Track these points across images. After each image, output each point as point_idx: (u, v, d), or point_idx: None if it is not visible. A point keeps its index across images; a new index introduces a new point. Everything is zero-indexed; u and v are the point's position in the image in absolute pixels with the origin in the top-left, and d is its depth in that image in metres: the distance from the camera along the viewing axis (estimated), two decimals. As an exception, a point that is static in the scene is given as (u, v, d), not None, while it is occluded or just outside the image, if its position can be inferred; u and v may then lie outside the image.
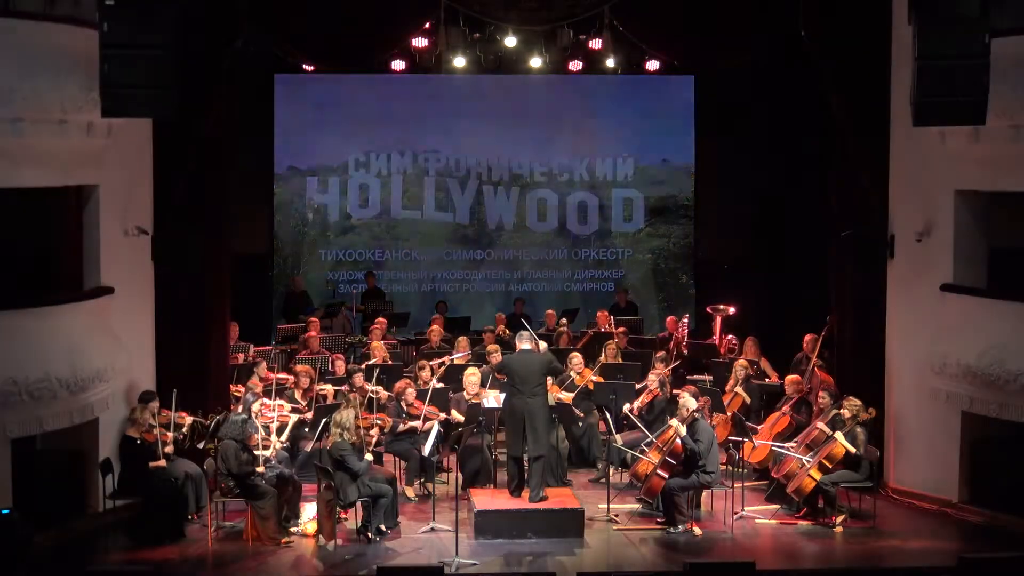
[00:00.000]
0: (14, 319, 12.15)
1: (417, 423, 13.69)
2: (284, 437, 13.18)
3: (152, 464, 12.63)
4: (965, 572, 10.06)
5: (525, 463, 12.92)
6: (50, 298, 12.62)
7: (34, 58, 11.87)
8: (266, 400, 13.65)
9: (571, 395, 14.48)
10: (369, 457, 12.62)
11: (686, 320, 17.49)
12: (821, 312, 15.39)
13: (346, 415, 12.45)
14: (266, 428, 13.09)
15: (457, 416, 13.85)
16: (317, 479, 12.67)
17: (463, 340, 16.27)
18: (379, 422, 13.67)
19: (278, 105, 19.60)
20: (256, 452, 12.54)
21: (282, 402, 13.87)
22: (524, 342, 13.06)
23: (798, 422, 13.86)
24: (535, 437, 12.68)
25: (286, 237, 19.98)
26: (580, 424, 14.65)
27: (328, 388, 14.61)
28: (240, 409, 13.37)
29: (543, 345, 13.58)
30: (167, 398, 13.22)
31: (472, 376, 14.17)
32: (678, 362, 15.71)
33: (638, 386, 14.57)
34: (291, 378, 14.83)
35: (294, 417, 13.35)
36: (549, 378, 13.15)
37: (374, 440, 13.26)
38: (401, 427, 13.70)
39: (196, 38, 12.72)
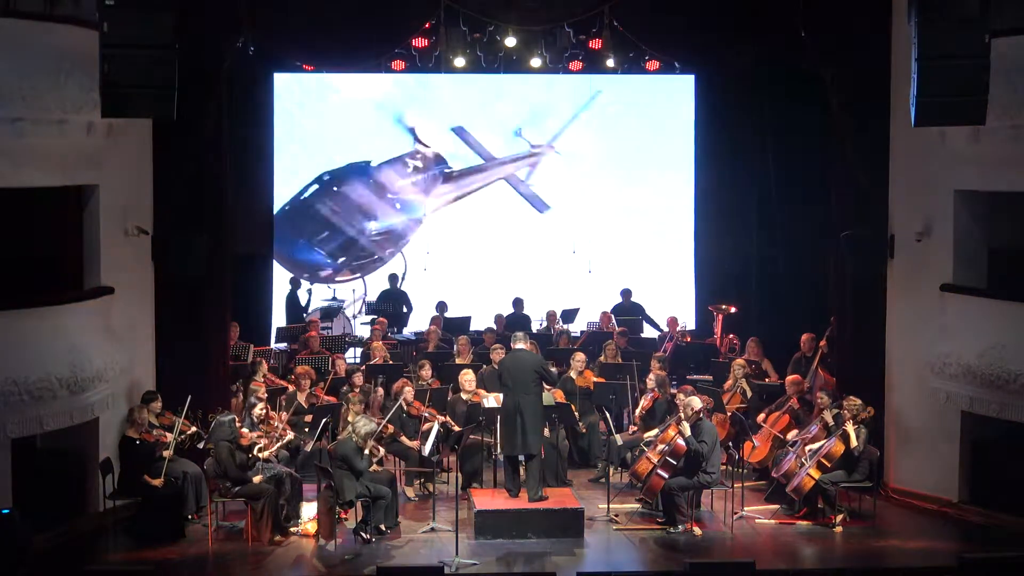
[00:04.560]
0: (14, 319, 12.15)
1: (414, 443, 13.62)
2: (274, 451, 13.05)
3: (147, 479, 12.60)
4: (965, 572, 10.06)
5: (521, 462, 12.92)
6: (50, 298, 12.62)
7: (34, 58, 11.87)
8: (272, 410, 13.60)
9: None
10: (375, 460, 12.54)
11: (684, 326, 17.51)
12: (821, 312, 15.39)
13: (364, 425, 12.40)
14: (267, 434, 13.06)
15: (453, 424, 13.78)
16: (317, 479, 12.68)
17: (463, 340, 16.24)
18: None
19: (278, 105, 19.59)
20: (251, 454, 12.53)
21: (283, 413, 13.77)
22: (519, 342, 13.09)
23: (798, 421, 13.87)
24: (527, 436, 12.67)
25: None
26: (580, 424, 14.64)
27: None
28: (244, 412, 13.38)
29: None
30: (168, 398, 13.23)
31: (467, 376, 14.17)
32: (665, 370, 15.61)
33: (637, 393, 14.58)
34: (291, 386, 14.74)
35: (290, 435, 13.29)
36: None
37: (380, 454, 13.12)
38: (409, 442, 13.68)
39: (196, 38, 12.72)
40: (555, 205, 20.36)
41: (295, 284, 19.31)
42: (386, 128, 20.01)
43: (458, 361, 15.63)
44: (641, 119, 20.30)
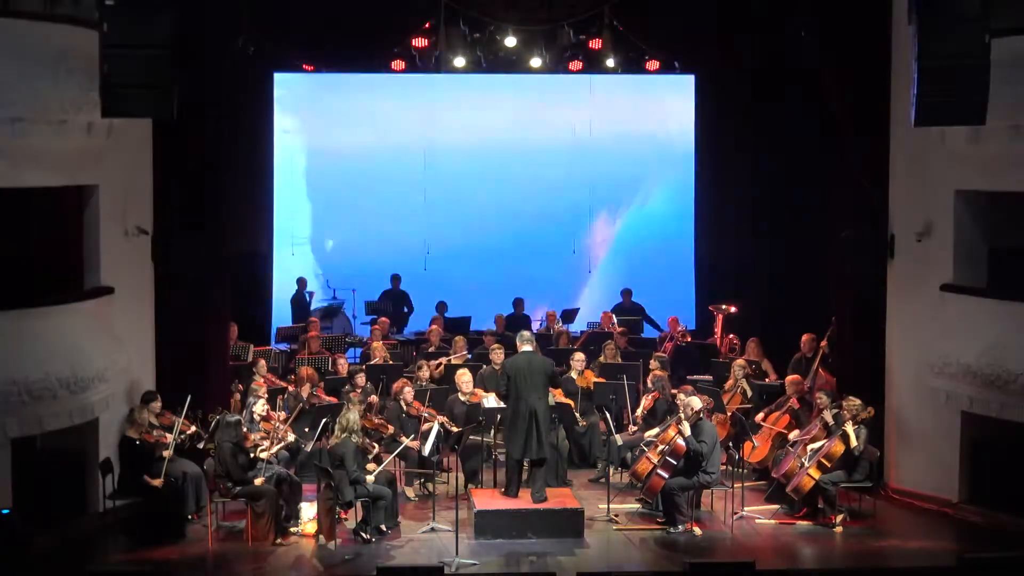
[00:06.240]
0: (14, 319, 12.15)
1: (415, 443, 13.59)
2: (275, 451, 13.00)
3: (147, 479, 12.61)
4: (965, 572, 10.06)
5: (525, 466, 12.93)
6: (50, 298, 12.62)
7: (34, 58, 11.87)
8: (271, 410, 13.60)
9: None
10: (372, 475, 12.52)
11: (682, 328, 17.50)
12: (821, 312, 15.38)
13: (352, 418, 12.42)
14: (267, 432, 13.06)
15: (451, 425, 13.71)
16: (317, 479, 12.68)
17: (459, 340, 16.24)
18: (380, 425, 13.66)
19: (278, 105, 19.60)
20: (253, 455, 12.54)
21: (282, 413, 13.75)
22: (525, 344, 13.04)
23: (798, 421, 13.87)
24: (540, 440, 12.68)
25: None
26: (581, 424, 14.63)
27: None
28: (244, 411, 13.39)
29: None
30: (168, 398, 13.23)
31: (464, 376, 14.15)
32: (665, 370, 15.59)
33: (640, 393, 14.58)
34: (291, 386, 14.72)
35: (291, 437, 13.28)
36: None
37: (375, 451, 13.09)
38: (407, 441, 13.62)
39: (196, 38, 12.72)
40: (555, 205, 20.37)
41: (301, 284, 19.32)
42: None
43: (454, 361, 15.62)
44: (641, 119, 20.31)
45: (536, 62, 17.28)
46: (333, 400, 14.32)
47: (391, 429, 13.66)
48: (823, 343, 15.06)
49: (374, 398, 14.47)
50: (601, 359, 15.63)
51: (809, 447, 13.09)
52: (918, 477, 13.87)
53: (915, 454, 13.93)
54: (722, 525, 12.97)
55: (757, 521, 13.08)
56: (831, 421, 13.16)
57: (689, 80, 19.87)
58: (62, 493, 12.77)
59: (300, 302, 19.12)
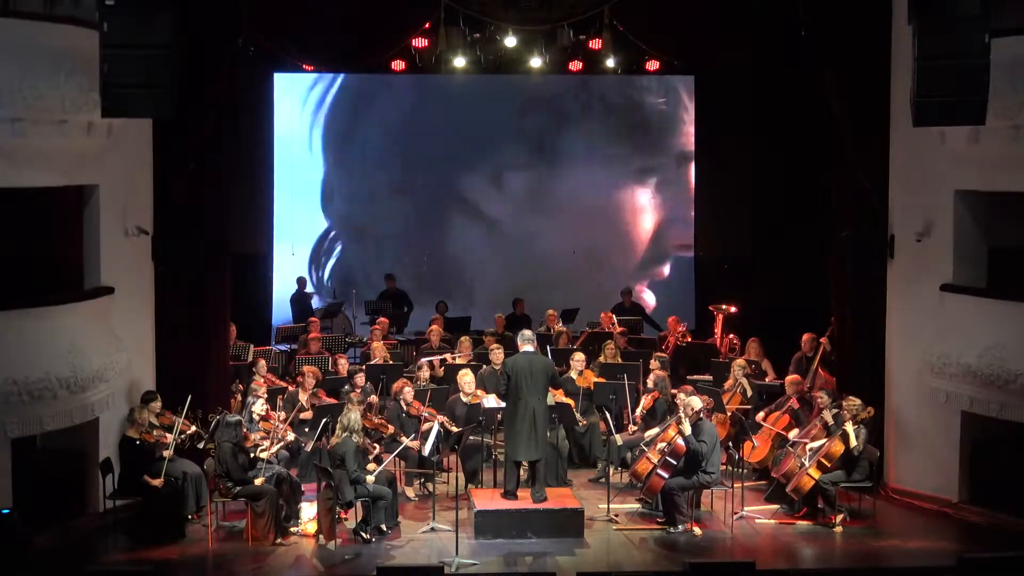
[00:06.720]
0: (14, 319, 12.15)
1: (415, 443, 13.57)
2: (275, 451, 12.99)
3: (149, 480, 12.61)
4: (965, 572, 10.06)
5: (524, 466, 12.94)
6: (50, 298, 12.62)
7: (34, 58, 11.87)
8: (271, 410, 13.60)
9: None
10: (372, 475, 12.50)
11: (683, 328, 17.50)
12: (821, 312, 15.39)
13: (353, 417, 12.42)
14: (267, 431, 13.06)
15: (450, 425, 13.70)
16: (317, 479, 12.68)
17: (465, 340, 16.23)
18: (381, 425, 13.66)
19: (278, 105, 19.61)
20: (253, 455, 12.54)
21: (282, 413, 13.74)
22: (527, 344, 13.04)
23: (798, 421, 13.87)
24: (539, 440, 12.69)
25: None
26: (581, 424, 14.63)
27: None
28: (244, 411, 13.38)
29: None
30: (168, 398, 13.23)
31: (466, 376, 14.15)
32: (665, 370, 15.57)
33: (641, 392, 14.58)
34: (291, 386, 14.71)
35: (291, 436, 13.26)
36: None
37: (376, 451, 13.08)
38: (407, 441, 13.60)
39: (196, 38, 12.72)
40: (555, 205, 20.39)
41: (301, 284, 19.33)
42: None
43: (458, 360, 15.62)
44: (641, 119, 20.32)
45: (536, 62, 17.27)
46: (333, 401, 14.31)
47: (391, 429, 13.65)
48: (823, 340, 15.07)
49: (374, 398, 14.48)
50: (601, 359, 15.62)
51: (809, 447, 13.10)
52: (918, 477, 13.87)
53: (915, 454, 13.93)
54: (722, 525, 12.97)
55: (757, 521, 13.09)
56: (831, 421, 13.16)
57: (689, 80, 19.90)
58: (62, 493, 12.78)
59: (300, 302, 19.14)
